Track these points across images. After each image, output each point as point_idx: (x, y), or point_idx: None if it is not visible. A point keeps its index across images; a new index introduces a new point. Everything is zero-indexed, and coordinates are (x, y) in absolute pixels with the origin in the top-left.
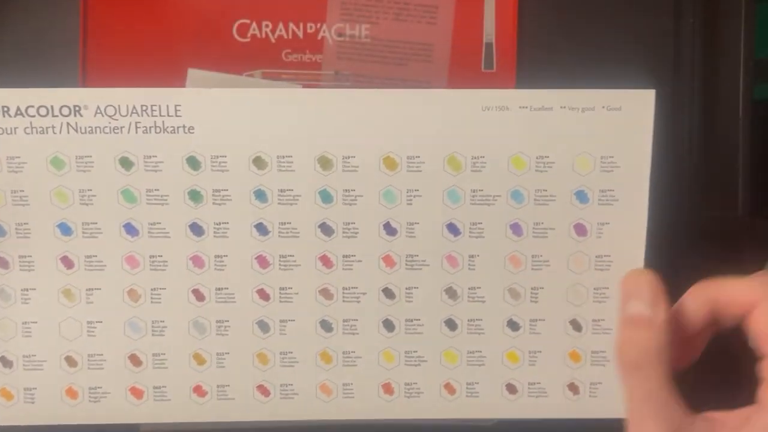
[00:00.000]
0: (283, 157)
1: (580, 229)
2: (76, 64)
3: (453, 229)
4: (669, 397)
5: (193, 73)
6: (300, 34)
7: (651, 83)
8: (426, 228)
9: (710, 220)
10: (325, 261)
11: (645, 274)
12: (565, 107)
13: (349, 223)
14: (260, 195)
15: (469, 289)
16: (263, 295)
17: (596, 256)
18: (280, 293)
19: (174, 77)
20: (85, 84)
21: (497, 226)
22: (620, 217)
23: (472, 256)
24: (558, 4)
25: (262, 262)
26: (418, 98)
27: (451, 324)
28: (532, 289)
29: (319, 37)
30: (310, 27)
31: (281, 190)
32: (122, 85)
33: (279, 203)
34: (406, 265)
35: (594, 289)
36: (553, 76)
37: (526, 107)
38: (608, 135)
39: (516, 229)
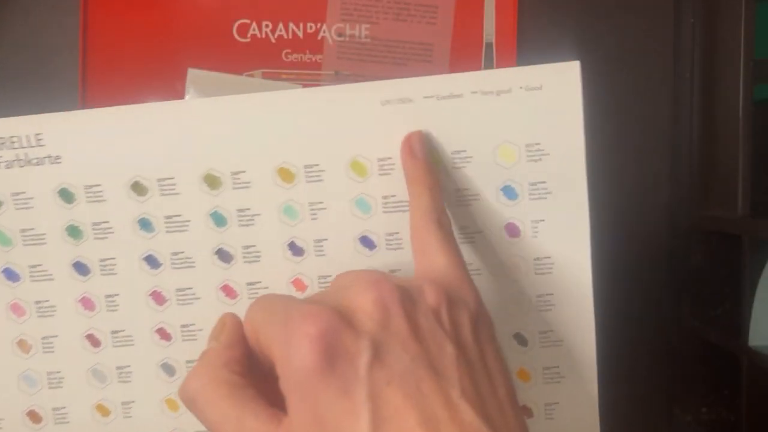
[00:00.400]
0: (165, 179)
1: (512, 230)
2: (76, 64)
3: (367, 242)
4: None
5: (193, 72)
6: (300, 34)
7: (650, 82)
8: (336, 244)
9: (710, 220)
10: (228, 291)
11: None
12: (476, 92)
13: (248, 246)
14: (145, 224)
15: None
16: (164, 335)
17: (534, 259)
18: (182, 331)
19: (174, 77)
20: (85, 84)
21: None
22: (557, 212)
23: (392, 271)
24: (558, 3)
25: (158, 298)
26: (308, 98)
27: None
28: None
29: (319, 37)
30: (310, 27)
31: (167, 217)
32: (122, 84)
33: (167, 231)
34: (320, 287)
35: (536, 296)
36: None
37: (432, 96)
38: (531, 119)
39: None
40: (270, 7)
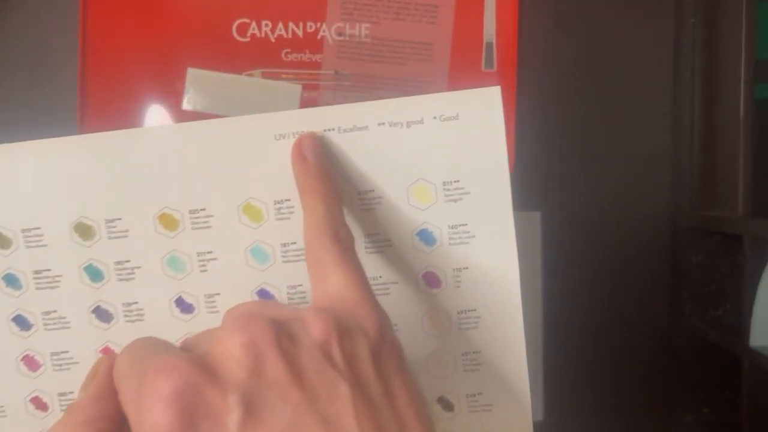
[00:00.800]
0: (30, 230)
1: (432, 280)
2: (75, 64)
3: (266, 296)
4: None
5: (192, 72)
6: (300, 33)
7: (650, 82)
8: (231, 299)
9: (711, 220)
10: (29, 362)
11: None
12: (383, 123)
13: (130, 304)
14: (11, 280)
15: None
16: (39, 404)
17: (458, 313)
18: (60, 400)
19: (173, 77)
20: (84, 83)
21: None
22: (482, 258)
23: None
24: (558, 3)
25: (31, 363)
26: (191, 132)
27: None
28: None
29: (319, 37)
30: (310, 26)
31: (36, 272)
32: (122, 84)
33: (37, 288)
34: None
35: (462, 354)
36: (553, 75)
37: (333, 129)
38: (448, 153)
39: None
40: (270, 7)
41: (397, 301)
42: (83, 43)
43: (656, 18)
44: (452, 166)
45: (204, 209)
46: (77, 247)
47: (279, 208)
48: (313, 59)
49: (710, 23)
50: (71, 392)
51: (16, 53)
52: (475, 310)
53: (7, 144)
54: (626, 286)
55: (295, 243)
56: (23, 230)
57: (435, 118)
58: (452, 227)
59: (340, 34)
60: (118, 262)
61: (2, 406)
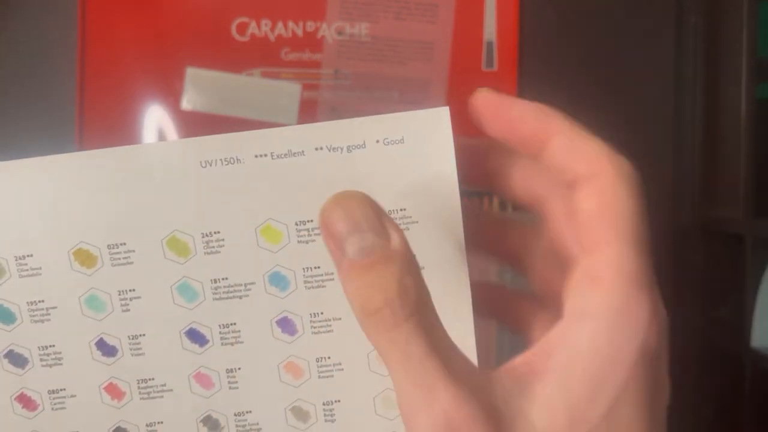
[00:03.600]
0: None
1: None
2: (74, 64)
3: (196, 336)
4: (455, 349)
5: (191, 71)
6: (300, 32)
7: (651, 81)
8: (157, 340)
9: (713, 220)
10: (25, 402)
11: (349, 194)
12: (321, 148)
13: (45, 347)
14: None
15: (235, 415)
16: None
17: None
18: None
19: (173, 76)
20: (83, 83)
21: (259, 325)
22: (433, 289)
23: (230, 371)
24: (559, 2)
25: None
26: (106, 159)
27: None
28: (324, 404)
29: (319, 36)
30: (310, 26)
31: None
32: (121, 83)
33: None
34: (140, 393)
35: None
36: (554, 74)
37: (265, 155)
38: (393, 179)
39: (285, 325)
40: (269, 6)
41: (341, 338)
42: (82, 41)
43: (657, 18)
44: (397, 193)
45: (124, 243)
46: None
47: (207, 242)
48: (313, 58)
49: (711, 23)
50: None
51: (15, 52)
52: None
53: None
54: None
55: (226, 279)
56: None
57: (378, 141)
58: None
59: (340, 34)
60: (31, 303)
61: None
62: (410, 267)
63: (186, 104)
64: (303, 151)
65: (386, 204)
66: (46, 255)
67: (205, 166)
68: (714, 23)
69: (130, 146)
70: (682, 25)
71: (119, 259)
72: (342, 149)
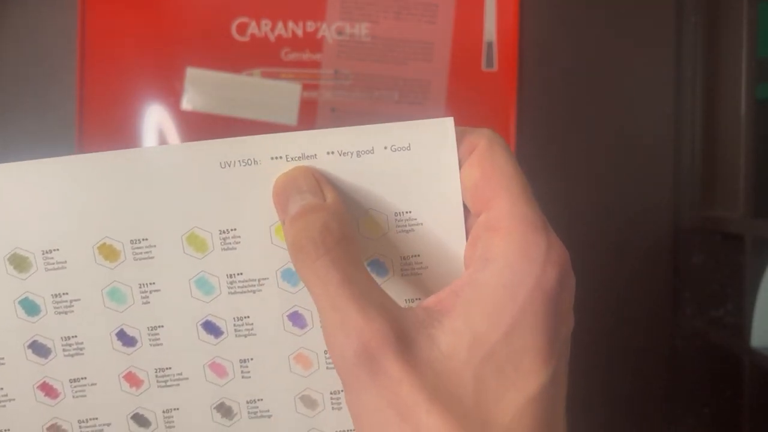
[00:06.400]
0: None
1: None
2: (74, 64)
3: (211, 328)
4: (372, 283)
5: (191, 71)
6: (300, 32)
7: (651, 81)
8: (174, 331)
9: (712, 220)
10: (48, 390)
11: (294, 169)
12: (332, 152)
13: (68, 338)
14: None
15: (248, 402)
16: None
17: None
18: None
19: (173, 76)
20: (83, 83)
21: (271, 319)
22: (434, 290)
23: (243, 361)
24: (559, 2)
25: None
26: (133, 160)
27: None
28: (332, 393)
29: (319, 36)
30: (310, 26)
31: None
32: (120, 83)
33: None
34: (158, 381)
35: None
36: (554, 74)
37: (281, 158)
38: (400, 183)
39: (296, 319)
40: (269, 6)
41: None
42: (82, 41)
43: (657, 17)
44: (404, 196)
45: (146, 239)
46: (11, 280)
47: (224, 238)
48: (313, 59)
49: (711, 23)
50: (7, 429)
51: (15, 52)
52: None
53: None
54: (627, 287)
55: (241, 274)
56: None
57: (386, 148)
58: (404, 258)
59: (340, 34)
60: (56, 295)
61: None
62: (336, 215)
63: (186, 104)
64: (315, 155)
65: (392, 206)
66: (72, 249)
67: (225, 167)
68: (714, 23)
69: (154, 146)
70: (682, 25)
71: (141, 253)
72: (352, 154)
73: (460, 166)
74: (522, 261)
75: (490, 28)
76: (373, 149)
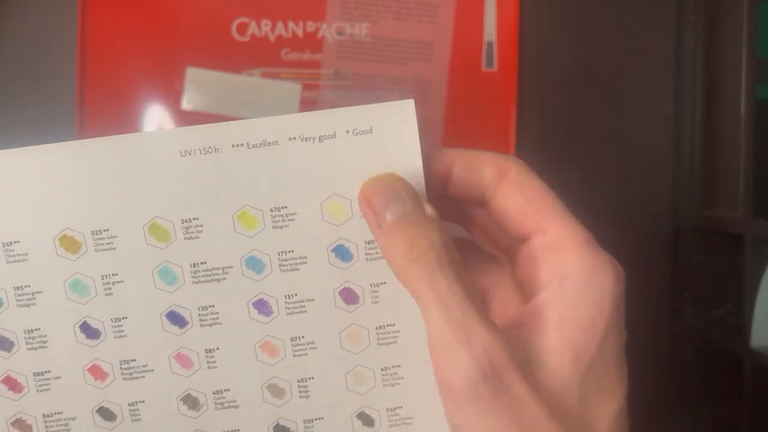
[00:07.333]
0: None
1: (349, 295)
2: (74, 63)
3: (176, 318)
4: (480, 302)
5: (191, 71)
6: (300, 32)
7: (651, 81)
8: (139, 322)
9: (712, 220)
10: (11, 384)
11: (388, 175)
12: (294, 138)
13: (31, 331)
14: None
15: (214, 393)
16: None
17: (377, 328)
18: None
19: (173, 76)
20: (83, 83)
21: (236, 307)
22: None
23: (209, 351)
24: (559, 2)
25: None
26: (93, 149)
27: None
28: (299, 381)
29: (319, 36)
30: (310, 26)
31: None
32: (120, 83)
33: None
34: (123, 374)
35: (381, 370)
36: (554, 74)
37: (242, 145)
38: (362, 167)
39: (261, 306)
40: (269, 6)
41: (314, 318)
42: (82, 41)
43: (657, 17)
44: (366, 180)
45: (107, 230)
46: None
47: (187, 228)
48: (313, 59)
49: (711, 23)
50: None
51: (15, 52)
52: (393, 324)
53: None
54: (627, 287)
55: (205, 263)
56: None
57: (348, 132)
58: (369, 242)
59: (340, 34)
60: (17, 288)
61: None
62: (446, 230)
63: (186, 104)
64: (277, 141)
65: (355, 190)
66: (33, 241)
67: (185, 156)
68: (714, 23)
69: (112, 136)
70: (682, 25)
71: (102, 244)
72: (314, 139)
73: (492, 191)
74: (598, 277)
75: (490, 28)
76: (335, 134)
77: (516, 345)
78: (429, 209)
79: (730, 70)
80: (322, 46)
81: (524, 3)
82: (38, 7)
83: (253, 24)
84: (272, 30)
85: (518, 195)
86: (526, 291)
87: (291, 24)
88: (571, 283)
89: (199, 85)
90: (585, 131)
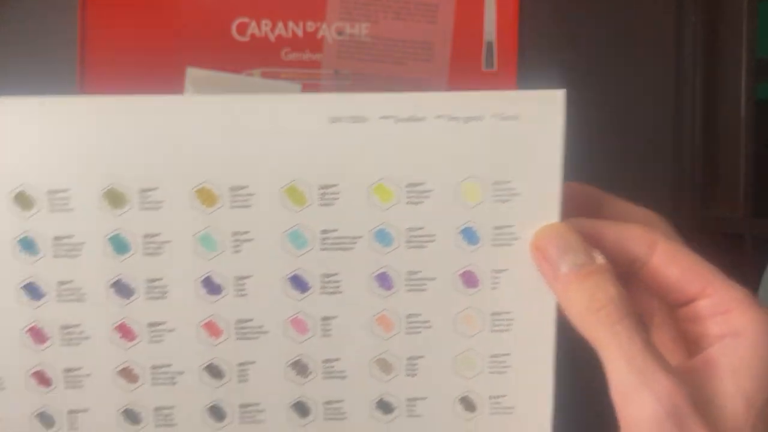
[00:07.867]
0: (57, 191)
1: (470, 279)
2: (74, 63)
3: (299, 283)
4: (655, 348)
5: (192, 71)
6: (300, 32)
7: (652, 81)
8: (261, 283)
9: (712, 220)
10: (125, 331)
11: (558, 225)
12: (441, 116)
13: (154, 280)
14: (28, 245)
15: (323, 361)
16: (42, 379)
17: (492, 314)
18: (65, 376)
19: (173, 76)
20: (83, 82)
21: (358, 278)
22: (522, 262)
23: (326, 319)
24: (559, 2)
25: (37, 336)
26: (241, 107)
27: (301, 408)
28: (408, 359)
29: (319, 36)
30: (310, 26)
31: (56, 238)
32: (120, 83)
33: (54, 255)
34: (237, 333)
35: (491, 356)
36: (554, 74)
37: (390, 117)
38: (503, 153)
39: (383, 280)
40: (269, 6)
41: (432, 298)
42: (82, 41)
43: (657, 17)
44: (505, 166)
45: (246, 186)
46: (105, 215)
47: (323, 194)
48: (313, 59)
49: (711, 23)
50: (78, 368)
51: (14, 52)
52: (509, 312)
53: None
54: None
55: (336, 230)
56: (49, 192)
57: (494, 116)
58: (497, 228)
59: (339, 34)
60: (147, 235)
61: (1, 378)
62: (618, 280)
63: None
64: (425, 117)
65: (494, 174)
66: (170, 190)
67: (334, 122)
68: (714, 23)
69: (262, 95)
70: (682, 25)
71: (238, 201)
72: (460, 119)
73: (642, 264)
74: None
75: (490, 28)
76: (481, 116)
77: (693, 390)
78: (600, 258)
79: (730, 70)
80: (322, 46)
81: (524, 3)
82: (38, 7)
83: (253, 24)
84: (272, 30)
85: (674, 268)
86: (690, 344)
87: (291, 24)
88: (744, 338)
89: (199, 85)
90: (584, 131)
